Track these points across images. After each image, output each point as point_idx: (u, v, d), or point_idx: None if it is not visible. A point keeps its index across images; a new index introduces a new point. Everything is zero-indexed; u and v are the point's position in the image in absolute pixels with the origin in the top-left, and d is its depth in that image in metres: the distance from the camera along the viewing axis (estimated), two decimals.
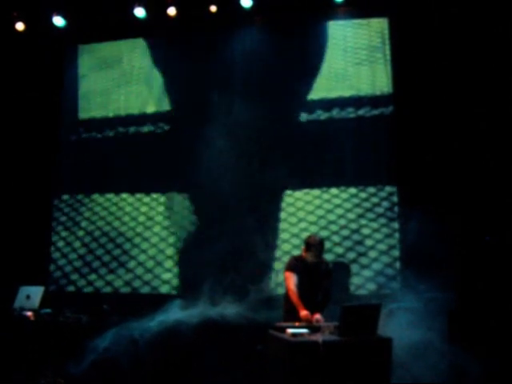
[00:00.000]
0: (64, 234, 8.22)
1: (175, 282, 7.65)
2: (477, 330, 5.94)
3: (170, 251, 7.78)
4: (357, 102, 7.52)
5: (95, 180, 8.24)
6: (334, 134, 7.54)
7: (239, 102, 7.84)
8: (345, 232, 7.32)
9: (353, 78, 7.59)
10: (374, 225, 7.25)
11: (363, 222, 7.29)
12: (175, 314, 6.62)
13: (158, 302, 6.88)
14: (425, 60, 7.08)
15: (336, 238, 7.29)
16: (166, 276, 7.77)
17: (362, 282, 7.22)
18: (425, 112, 7.01)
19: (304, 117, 7.69)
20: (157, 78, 8.27)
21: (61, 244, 8.19)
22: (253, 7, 7.60)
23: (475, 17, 6.89)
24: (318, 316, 5.24)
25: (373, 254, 7.23)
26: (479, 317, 6.14)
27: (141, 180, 8.08)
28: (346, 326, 4.56)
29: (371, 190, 7.36)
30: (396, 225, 7.21)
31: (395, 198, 7.25)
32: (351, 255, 7.28)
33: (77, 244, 8.12)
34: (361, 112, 7.52)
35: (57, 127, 8.46)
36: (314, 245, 5.45)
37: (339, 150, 7.49)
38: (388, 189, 7.31)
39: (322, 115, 7.64)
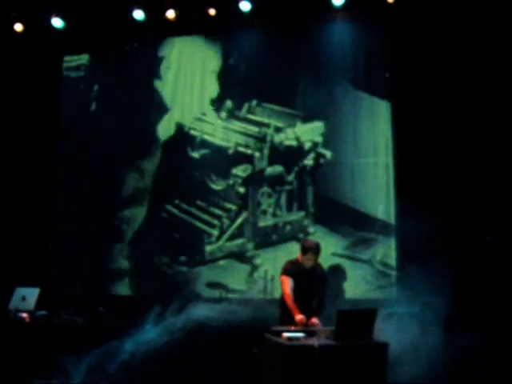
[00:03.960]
0: (61, 234, 8.20)
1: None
2: (475, 334, 5.93)
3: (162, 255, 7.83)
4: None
5: (93, 180, 8.24)
6: (332, 135, 7.59)
7: (237, 103, 7.90)
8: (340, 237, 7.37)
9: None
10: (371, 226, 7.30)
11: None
12: (170, 317, 6.61)
13: (153, 304, 6.88)
14: (424, 64, 7.11)
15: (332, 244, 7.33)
16: (163, 278, 7.80)
17: (357, 286, 7.23)
18: (425, 111, 7.02)
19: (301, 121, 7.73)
20: (154, 81, 8.29)
21: (58, 245, 8.18)
22: (251, 11, 7.61)
23: (475, 20, 6.93)
24: (314, 320, 5.24)
25: (368, 257, 7.24)
26: (477, 321, 6.14)
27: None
28: (342, 331, 4.55)
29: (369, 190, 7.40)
30: (393, 226, 7.23)
31: (392, 200, 7.27)
32: (347, 259, 7.30)
33: (74, 245, 8.10)
34: (360, 110, 7.55)
35: (56, 128, 8.45)
36: (311, 248, 5.45)
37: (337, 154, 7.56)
38: (385, 190, 7.34)
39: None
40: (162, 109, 8.19)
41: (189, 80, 8.18)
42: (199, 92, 8.11)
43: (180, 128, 8.10)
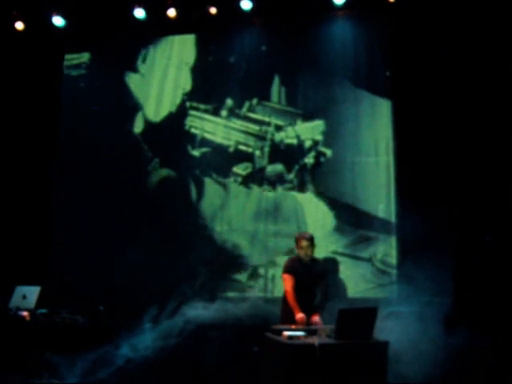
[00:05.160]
0: (62, 233, 8.21)
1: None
2: (475, 333, 5.94)
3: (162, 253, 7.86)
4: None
5: (93, 180, 8.23)
6: (333, 134, 7.58)
7: (238, 102, 7.90)
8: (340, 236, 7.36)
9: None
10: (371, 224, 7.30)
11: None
12: (169, 316, 6.61)
13: (153, 303, 6.88)
14: (425, 62, 7.10)
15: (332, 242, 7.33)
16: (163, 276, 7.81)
17: (358, 285, 7.23)
18: (425, 110, 7.02)
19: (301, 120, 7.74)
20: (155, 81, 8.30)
21: (58, 243, 8.18)
22: (252, 9, 7.61)
23: (475, 18, 6.92)
24: (316, 318, 5.25)
25: (369, 255, 7.24)
26: (478, 320, 6.14)
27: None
28: (343, 329, 4.55)
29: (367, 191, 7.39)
30: (393, 225, 7.23)
31: (393, 198, 7.27)
32: (347, 257, 7.30)
33: (74, 244, 8.10)
34: (360, 106, 7.53)
35: (56, 126, 8.45)
36: (302, 236, 5.49)
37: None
38: (386, 188, 7.34)
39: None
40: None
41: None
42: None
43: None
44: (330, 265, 7.19)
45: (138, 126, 8.22)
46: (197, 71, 8.16)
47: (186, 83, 8.16)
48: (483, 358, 5.82)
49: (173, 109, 8.16)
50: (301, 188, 7.58)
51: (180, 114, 8.12)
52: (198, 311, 6.49)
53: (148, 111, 8.23)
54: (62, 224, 8.22)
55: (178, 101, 8.15)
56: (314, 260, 5.57)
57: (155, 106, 8.22)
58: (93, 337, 5.89)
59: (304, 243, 5.45)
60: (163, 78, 8.25)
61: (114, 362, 5.78)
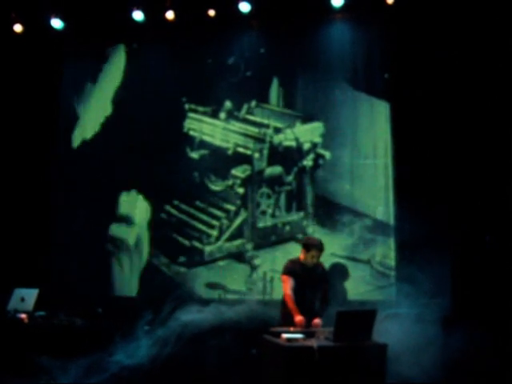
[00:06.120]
0: (61, 235, 8.20)
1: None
2: (474, 334, 5.94)
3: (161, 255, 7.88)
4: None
5: (94, 180, 8.24)
6: (331, 136, 7.60)
7: (236, 104, 7.91)
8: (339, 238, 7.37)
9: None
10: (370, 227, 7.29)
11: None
12: (167, 318, 6.61)
13: (151, 305, 6.88)
14: (423, 64, 7.11)
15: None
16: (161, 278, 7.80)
17: (357, 287, 7.23)
18: (424, 112, 7.04)
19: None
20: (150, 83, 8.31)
21: (58, 244, 8.18)
22: (251, 12, 7.62)
23: (474, 21, 6.94)
24: (317, 321, 5.22)
25: (368, 258, 7.24)
26: (476, 322, 6.15)
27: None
28: (341, 332, 4.55)
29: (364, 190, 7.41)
30: (392, 227, 7.23)
31: (391, 200, 7.28)
32: (346, 259, 7.30)
33: (74, 244, 8.10)
34: (358, 108, 7.55)
35: (55, 129, 8.45)
36: (315, 245, 5.41)
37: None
38: (384, 191, 7.34)
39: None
40: None
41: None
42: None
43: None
44: (339, 269, 7.19)
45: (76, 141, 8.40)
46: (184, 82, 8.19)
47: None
48: (483, 359, 5.82)
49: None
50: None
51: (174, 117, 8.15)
52: (194, 315, 6.48)
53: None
54: (62, 224, 8.22)
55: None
56: (315, 263, 5.52)
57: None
58: (91, 340, 5.89)
59: (315, 253, 5.38)
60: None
61: (108, 368, 5.76)
